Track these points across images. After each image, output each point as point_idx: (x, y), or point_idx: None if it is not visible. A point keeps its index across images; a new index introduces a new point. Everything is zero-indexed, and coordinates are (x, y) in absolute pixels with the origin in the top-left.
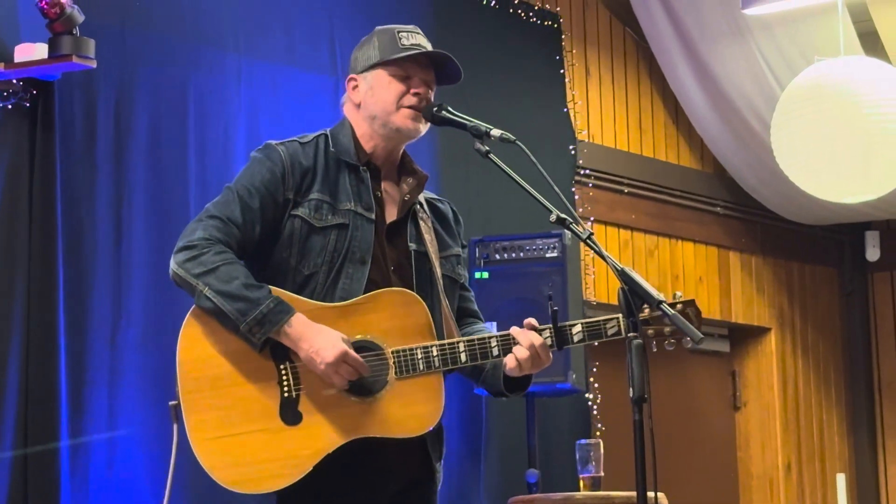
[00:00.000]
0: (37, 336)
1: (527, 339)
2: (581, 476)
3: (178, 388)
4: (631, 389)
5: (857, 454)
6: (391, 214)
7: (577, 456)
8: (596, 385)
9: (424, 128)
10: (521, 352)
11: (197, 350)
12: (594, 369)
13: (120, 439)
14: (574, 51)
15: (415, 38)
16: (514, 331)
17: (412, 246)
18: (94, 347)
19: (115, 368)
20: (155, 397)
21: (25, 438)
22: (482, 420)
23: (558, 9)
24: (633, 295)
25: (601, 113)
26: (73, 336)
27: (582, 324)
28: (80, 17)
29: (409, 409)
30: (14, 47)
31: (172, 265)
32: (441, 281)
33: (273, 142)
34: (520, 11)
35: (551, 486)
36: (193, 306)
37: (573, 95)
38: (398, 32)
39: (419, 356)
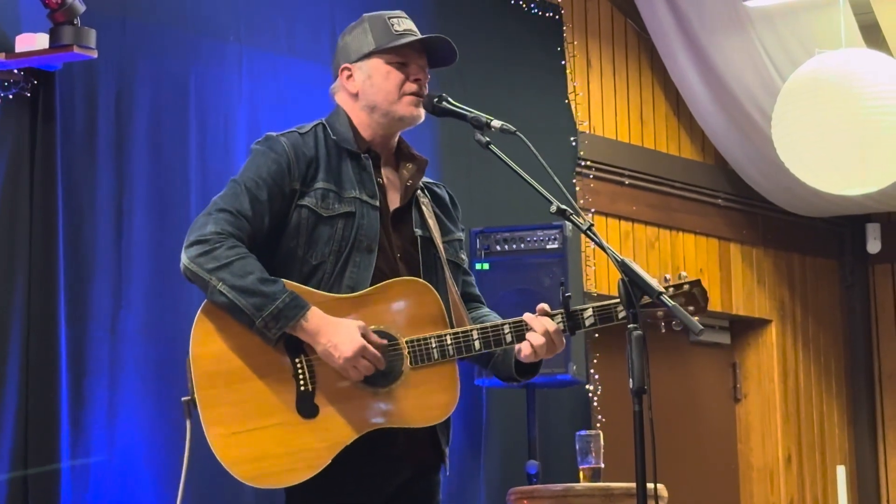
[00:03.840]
0: (37, 324)
1: (541, 325)
2: (581, 467)
3: (191, 383)
4: (631, 381)
5: (857, 446)
6: (394, 201)
7: (577, 447)
8: (596, 376)
9: (424, 114)
10: (536, 338)
11: (210, 345)
12: (594, 360)
13: (120, 429)
14: (575, 42)
15: (406, 24)
16: (528, 317)
17: (418, 232)
18: (94, 336)
19: (115, 357)
20: (155, 386)
21: (26, 428)
22: (482, 411)
23: (559, 0)
24: (633, 286)
25: (602, 104)
26: (74, 324)
27: (593, 308)
28: (81, 8)
29: (426, 399)
30: (15, 37)
31: (184, 260)
32: (447, 266)
33: (273, 133)
34: (521, 2)
35: (551, 477)
36: (205, 302)
37: (574, 86)
38: (389, 18)
39: (433, 345)
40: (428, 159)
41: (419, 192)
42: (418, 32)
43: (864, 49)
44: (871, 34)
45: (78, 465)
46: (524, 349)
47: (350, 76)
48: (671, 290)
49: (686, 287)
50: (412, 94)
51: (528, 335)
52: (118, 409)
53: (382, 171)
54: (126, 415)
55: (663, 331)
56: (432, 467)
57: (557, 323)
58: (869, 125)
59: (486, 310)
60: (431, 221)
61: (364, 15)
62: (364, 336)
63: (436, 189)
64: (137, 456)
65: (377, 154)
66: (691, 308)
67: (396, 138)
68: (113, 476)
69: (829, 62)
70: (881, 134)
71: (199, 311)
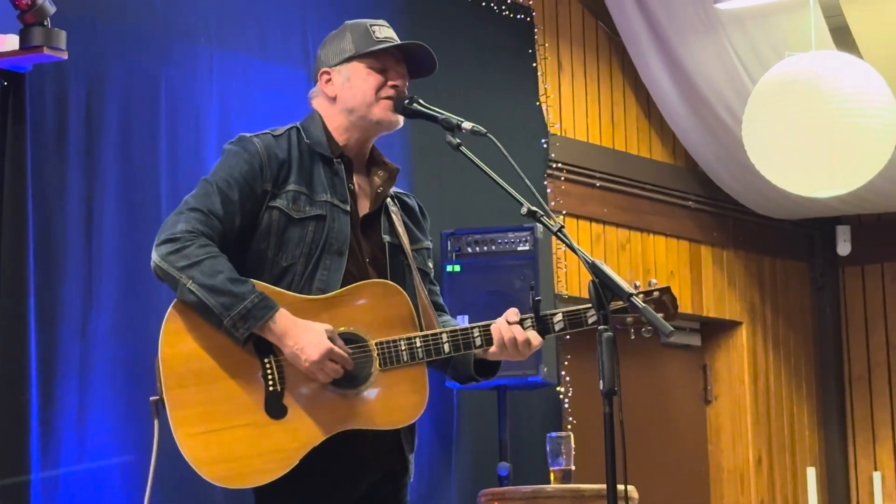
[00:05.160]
0: (7, 328)
1: (523, 335)
2: (552, 469)
3: (159, 383)
4: (601, 382)
5: (827, 448)
6: (364, 207)
7: (548, 449)
8: (567, 378)
9: (402, 120)
10: (509, 338)
11: (179, 345)
12: (565, 362)
13: (90, 431)
14: (546, 44)
15: (387, 32)
16: (496, 329)
17: (386, 238)
18: (64, 339)
19: (85, 360)
20: (126, 389)
21: None
22: (453, 413)
23: (531, 2)
24: (603, 288)
25: (573, 106)
26: (44, 328)
27: (563, 313)
28: (52, 9)
29: (394, 401)
30: None
31: (154, 257)
32: (416, 271)
33: (247, 134)
34: (492, 5)
35: (522, 478)
36: (175, 300)
37: (545, 89)
38: (370, 26)
39: (403, 348)
40: (399, 168)
41: (389, 200)
42: (399, 41)
43: (833, 51)
44: (841, 37)
45: (48, 467)
46: (497, 348)
47: (329, 80)
48: (641, 296)
49: (656, 294)
50: (388, 98)
51: (504, 334)
52: (88, 412)
53: (354, 177)
54: (96, 417)
55: (633, 337)
56: (399, 471)
57: (526, 328)
58: (839, 127)
59: (447, 317)
60: (400, 229)
61: (346, 22)
62: (331, 340)
63: (405, 199)
64: (108, 458)
65: (349, 160)
66: (661, 315)
67: (370, 145)
68: (83, 479)
69: (799, 64)
70: (851, 136)
71: (168, 310)
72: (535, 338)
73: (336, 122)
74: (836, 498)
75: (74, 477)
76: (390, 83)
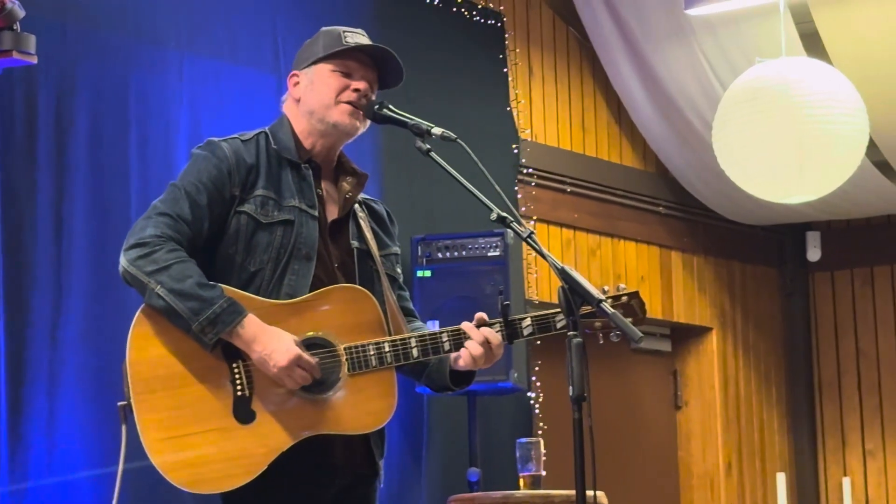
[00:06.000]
0: None
1: (480, 334)
2: (521, 475)
3: (127, 388)
4: (571, 388)
5: (796, 453)
6: (332, 212)
7: (518, 454)
8: (538, 384)
9: (363, 126)
10: (475, 347)
11: (148, 350)
12: (536, 368)
13: (60, 438)
14: (517, 50)
15: (360, 39)
16: (466, 326)
17: (354, 244)
18: (33, 345)
19: (54, 366)
20: (95, 395)
21: None
22: (423, 418)
23: (502, 7)
24: (573, 294)
25: (544, 112)
26: (13, 333)
27: (531, 317)
28: (21, 13)
29: (363, 406)
30: None
31: (123, 262)
32: (385, 277)
33: (215, 139)
34: (463, 10)
35: (492, 484)
36: (143, 305)
37: (516, 94)
38: (343, 32)
39: (371, 352)
40: (368, 174)
41: (357, 206)
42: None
43: (803, 58)
44: (811, 43)
45: (17, 475)
46: (463, 358)
47: (297, 83)
48: (609, 301)
49: (624, 298)
50: (349, 102)
51: (467, 343)
52: (57, 418)
53: (322, 182)
54: (65, 423)
55: (601, 342)
56: (369, 476)
57: (496, 332)
58: (808, 133)
59: (419, 324)
60: (368, 235)
61: (322, 28)
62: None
63: (373, 205)
64: (77, 463)
65: (318, 165)
66: (629, 319)
67: (337, 152)
68: (52, 486)
69: (769, 71)
70: (821, 142)
71: (136, 315)
72: (494, 336)
73: (301, 126)
74: (805, 503)
75: (44, 485)
76: (353, 87)
